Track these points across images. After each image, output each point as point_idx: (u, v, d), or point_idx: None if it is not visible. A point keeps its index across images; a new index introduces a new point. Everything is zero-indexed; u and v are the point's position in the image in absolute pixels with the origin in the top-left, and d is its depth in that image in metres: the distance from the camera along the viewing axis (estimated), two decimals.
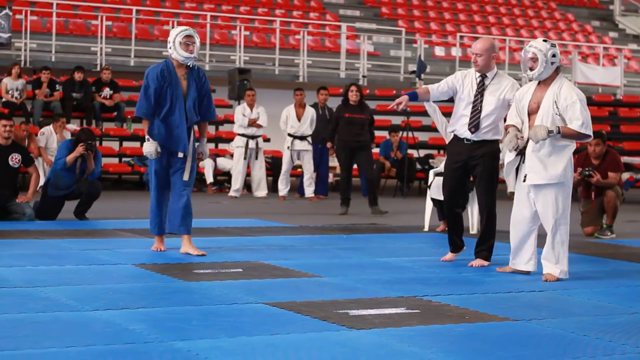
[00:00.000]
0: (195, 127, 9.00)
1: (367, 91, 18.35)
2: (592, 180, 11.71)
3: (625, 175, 17.12)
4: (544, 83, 7.86)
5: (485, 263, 8.51)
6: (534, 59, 7.75)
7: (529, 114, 7.89)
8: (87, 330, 5.49)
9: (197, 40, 8.80)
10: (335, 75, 23.48)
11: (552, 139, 7.67)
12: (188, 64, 8.82)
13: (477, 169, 8.49)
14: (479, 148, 8.42)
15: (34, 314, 5.94)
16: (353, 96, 14.03)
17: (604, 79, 24.95)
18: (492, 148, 8.51)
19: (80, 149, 11.64)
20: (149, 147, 8.78)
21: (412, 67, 23.42)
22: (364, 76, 22.94)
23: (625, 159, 17.40)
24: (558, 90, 7.76)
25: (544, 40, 7.89)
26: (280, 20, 24.41)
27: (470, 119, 8.40)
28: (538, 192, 7.82)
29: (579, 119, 7.68)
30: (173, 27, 21.21)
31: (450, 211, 8.78)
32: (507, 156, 8.04)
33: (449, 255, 8.77)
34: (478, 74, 8.45)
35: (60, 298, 6.47)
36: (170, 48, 8.78)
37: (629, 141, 20.68)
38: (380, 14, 28.13)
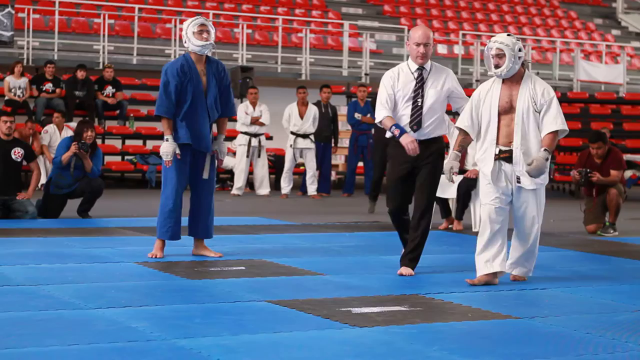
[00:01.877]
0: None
1: (370, 89, 18.34)
2: (593, 179, 11.71)
3: (628, 173, 17.12)
4: (511, 80, 7.41)
5: (411, 272, 7.77)
6: (500, 55, 7.29)
7: (500, 114, 7.41)
8: (90, 328, 5.50)
9: (212, 29, 8.42)
10: (337, 73, 23.49)
11: (535, 138, 7.33)
12: (206, 54, 8.43)
13: (423, 171, 7.79)
14: (426, 149, 7.72)
15: (36, 312, 5.95)
16: None
17: (606, 77, 24.96)
18: (439, 147, 7.86)
19: (73, 148, 11.62)
20: (168, 148, 8.28)
21: None
22: (366, 74, 22.94)
23: (627, 156, 17.42)
24: (532, 86, 7.37)
25: (508, 35, 7.47)
26: (282, 19, 24.41)
27: (411, 116, 7.70)
28: (520, 195, 7.46)
29: (556, 117, 7.31)
30: (175, 25, 21.44)
31: (400, 221, 8.04)
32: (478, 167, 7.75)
33: (409, 271, 7.78)
34: (415, 67, 7.74)
35: (63, 296, 6.47)
36: (185, 42, 8.39)
37: (631, 139, 20.64)
38: (382, 11, 28.15)
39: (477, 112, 7.48)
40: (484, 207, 7.51)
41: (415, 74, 7.74)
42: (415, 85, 7.71)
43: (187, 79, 8.37)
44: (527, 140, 7.34)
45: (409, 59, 7.85)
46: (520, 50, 7.32)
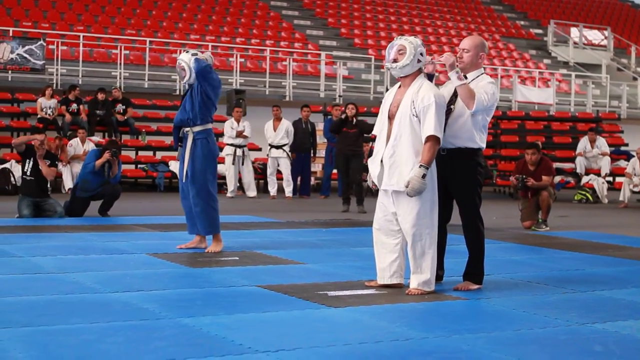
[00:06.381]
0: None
1: (343, 108, 18.31)
2: (528, 183, 11.75)
3: (557, 178, 17.21)
4: (404, 84, 6.24)
5: (469, 286, 6.52)
6: (402, 52, 6.14)
7: (390, 118, 6.24)
8: (109, 309, 5.48)
9: (187, 67, 8.20)
10: (316, 95, 23.46)
11: (408, 142, 6.10)
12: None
13: (456, 190, 6.49)
14: (452, 161, 6.42)
15: (64, 295, 5.93)
16: (349, 114, 14.22)
17: (539, 98, 25.11)
18: (467, 161, 6.43)
19: (107, 155, 11.74)
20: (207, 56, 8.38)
21: (381, 88, 23.47)
22: (340, 96, 22.92)
23: (557, 164, 17.51)
24: (417, 90, 6.10)
25: (416, 37, 6.29)
26: (270, 49, 24.39)
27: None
28: (397, 199, 6.22)
29: (431, 123, 6.01)
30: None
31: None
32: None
33: (466, 285, 6.54)
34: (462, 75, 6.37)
35: (86, 282, 6.45)
36: None
37: (560, 150, 20.77)
38: (353, 44, 28.15)
39: (382, 117, 6.39)
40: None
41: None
42: (454, 90, 6.38)
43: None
44: (397, 146, 6.16)
45: None
46: (422, 54, 6.17)
